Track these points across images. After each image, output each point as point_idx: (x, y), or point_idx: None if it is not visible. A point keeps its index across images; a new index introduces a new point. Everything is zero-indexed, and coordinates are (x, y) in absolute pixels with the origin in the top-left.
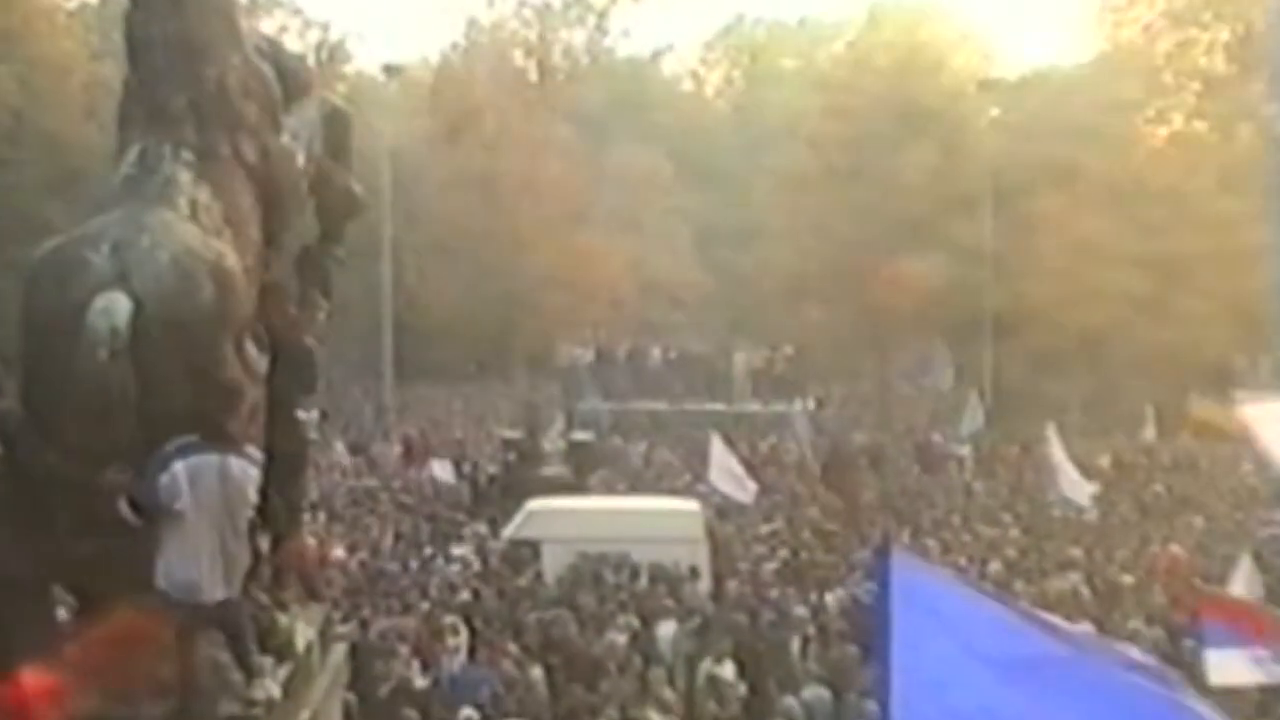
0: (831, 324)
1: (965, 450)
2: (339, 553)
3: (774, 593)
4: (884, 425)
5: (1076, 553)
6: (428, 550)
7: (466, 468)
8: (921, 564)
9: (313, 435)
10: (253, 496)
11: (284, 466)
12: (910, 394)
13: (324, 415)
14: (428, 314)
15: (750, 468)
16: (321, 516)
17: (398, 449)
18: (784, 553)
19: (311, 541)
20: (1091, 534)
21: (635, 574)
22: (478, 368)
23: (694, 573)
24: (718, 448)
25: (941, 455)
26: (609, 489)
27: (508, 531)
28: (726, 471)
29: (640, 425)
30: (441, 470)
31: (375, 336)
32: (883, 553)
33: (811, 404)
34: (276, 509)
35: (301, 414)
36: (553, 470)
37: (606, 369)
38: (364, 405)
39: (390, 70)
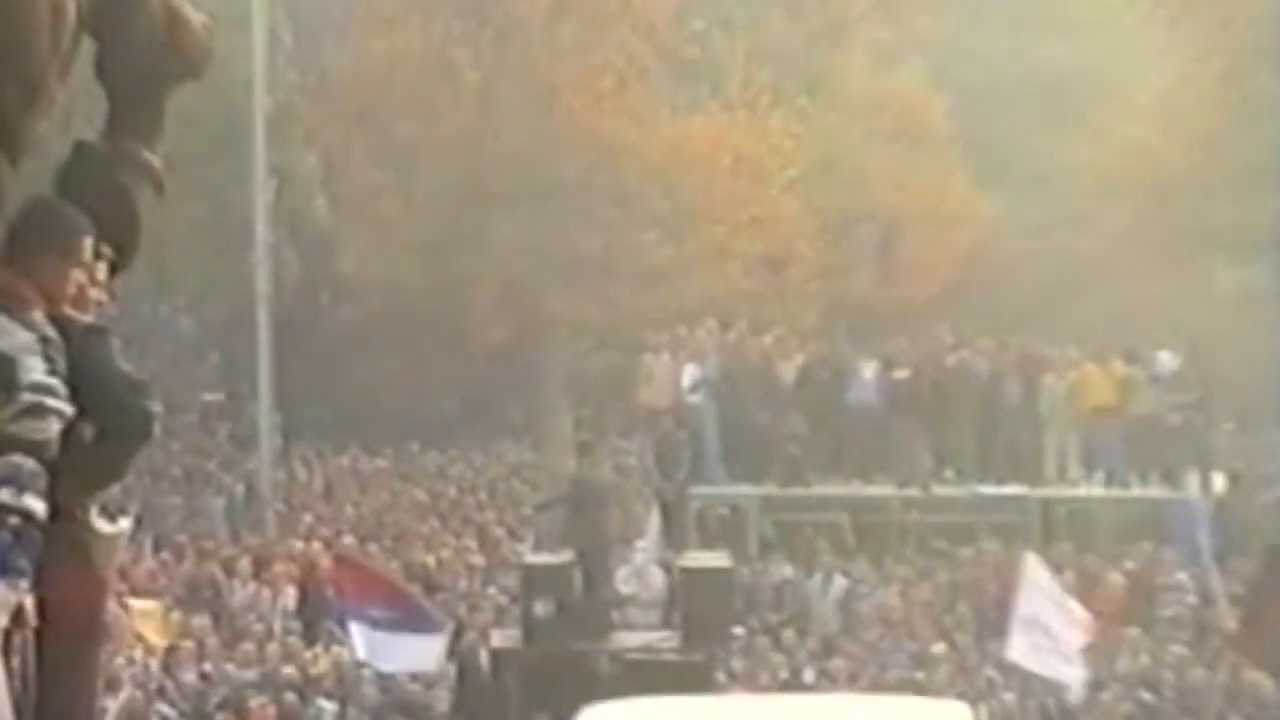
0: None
1: None
2: None
3: None
4: None
5: None
6: None
7: (442, 634)
8: None
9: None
10: None
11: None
12: None
13: (138, 520)
14: (360, 293)
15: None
16: None
17: (291, 592)
18: None
19: None
20: None
21: None
22: (455, 409)
23: None
24: (1033, 578)
25: None
26: (765, 678)
27: None
28: (1044, 632)
29: (833, 533)
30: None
31: (242, 345)
32: None
33: (1220, 481)
34: None
35: (98, 519)
36: (639, 636)
37: (748, 406)
38: (213, 499)
39: None
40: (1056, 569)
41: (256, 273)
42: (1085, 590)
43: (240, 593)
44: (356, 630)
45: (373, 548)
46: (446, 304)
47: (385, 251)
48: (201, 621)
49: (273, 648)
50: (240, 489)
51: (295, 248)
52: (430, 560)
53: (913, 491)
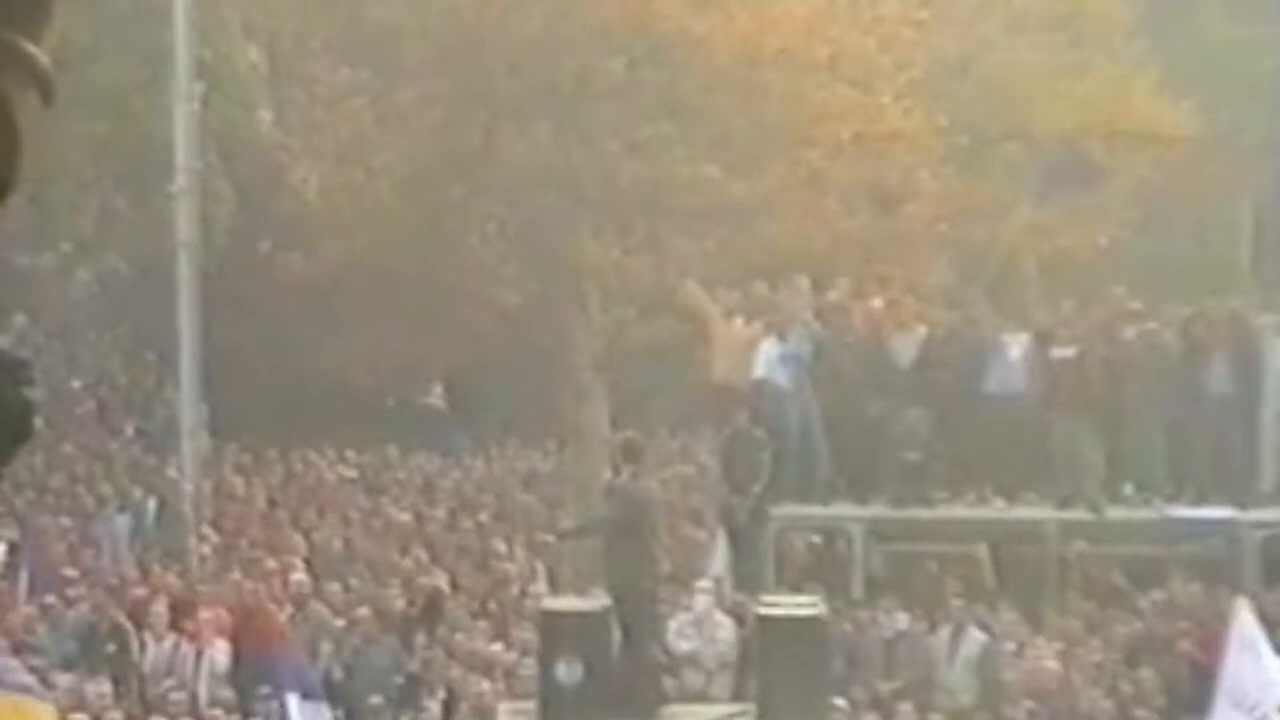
0: None
1: None
2: None
3: None
4: None
5: None
6: None
7: (429, 704)
8: None
9: None
10: None
11: None
12: None
13: (12, 548)
14: (317, 237)
15: None
16: None
17: (221, 648)
18: None
19: None
20: None
21: None
22: (448, 399)
23: None
24: (1245, 634)
25: None
26: None
27: None
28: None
29: (967, 569)
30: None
31: (157, 310)
32: None
33: None
34: None
35: None
36: (701, 710)
37: (851, 394)
38: (116, 519)
39: None
40: (1278, 621)
41: (176, 211)
42: None
43: (153, 649)
44: (294, 703)
45: (333, 587)
46: (437, 252)
47: (352, 180)
48: (99, 689)
49: None
50: (152, 506)
51: (229, 176)
52: (412, 605)
53: (1078, 514)
